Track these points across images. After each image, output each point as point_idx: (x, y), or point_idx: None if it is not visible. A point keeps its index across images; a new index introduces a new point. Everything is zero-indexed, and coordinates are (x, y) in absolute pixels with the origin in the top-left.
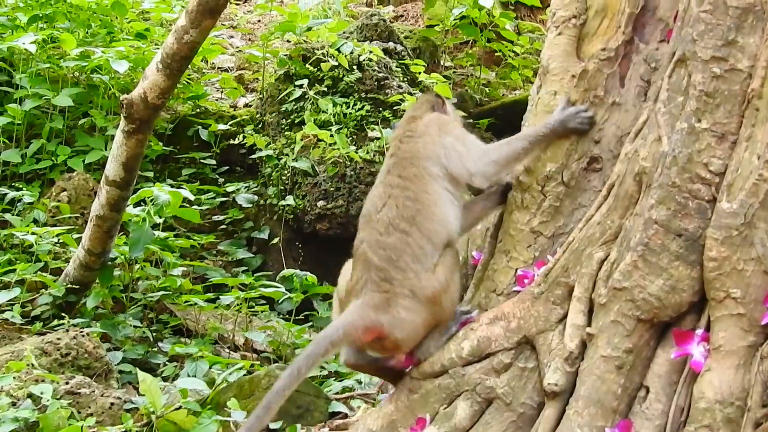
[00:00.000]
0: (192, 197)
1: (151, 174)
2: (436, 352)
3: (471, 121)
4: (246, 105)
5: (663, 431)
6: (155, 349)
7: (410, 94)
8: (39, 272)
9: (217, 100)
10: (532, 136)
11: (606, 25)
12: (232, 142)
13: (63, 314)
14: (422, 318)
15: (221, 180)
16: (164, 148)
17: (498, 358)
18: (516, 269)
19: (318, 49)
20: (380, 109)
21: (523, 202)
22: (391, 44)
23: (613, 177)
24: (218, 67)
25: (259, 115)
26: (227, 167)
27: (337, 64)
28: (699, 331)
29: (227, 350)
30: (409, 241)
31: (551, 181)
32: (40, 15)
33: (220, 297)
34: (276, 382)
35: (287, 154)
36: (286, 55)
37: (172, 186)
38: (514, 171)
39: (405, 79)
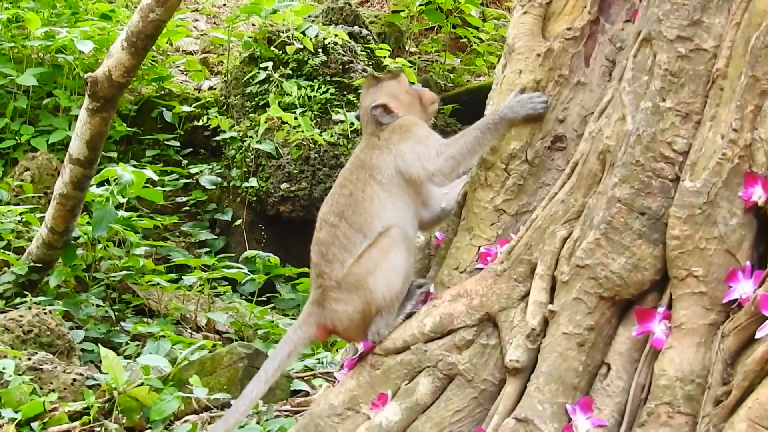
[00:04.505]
0: (156, 178)
1: (114, 155)
2: (390, 332)
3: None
4: (210, 87)
5: (624, 408)
6: (117, 329)
7: None
8: (2, 250)
9: (181, 82)
10: (483, 126)
11: (572, 5)
12: (196, 123)
13: (25, 292)
14: (353, 306)
15: (185, 161)
16: (128, 129)
17: (460, 334)
18: (479, 247)
19: (283, 32)
20: (345, 92)
21: (487, 180)
22: (356, 28)
23: (576, 156)
24: (183, 50)
25: (223, 98)
26: (191, 149)
27: (302, 47)
28: (661, 309)
29: (189, 331)
30: (336, 233)
31: (515, 159)
32: None
33: (183, 278)
34: (246, 386)
35: (251, 137)
36: (251, 38)
37: (135, 167)
38: (471, 164)
39: (370, 63)
